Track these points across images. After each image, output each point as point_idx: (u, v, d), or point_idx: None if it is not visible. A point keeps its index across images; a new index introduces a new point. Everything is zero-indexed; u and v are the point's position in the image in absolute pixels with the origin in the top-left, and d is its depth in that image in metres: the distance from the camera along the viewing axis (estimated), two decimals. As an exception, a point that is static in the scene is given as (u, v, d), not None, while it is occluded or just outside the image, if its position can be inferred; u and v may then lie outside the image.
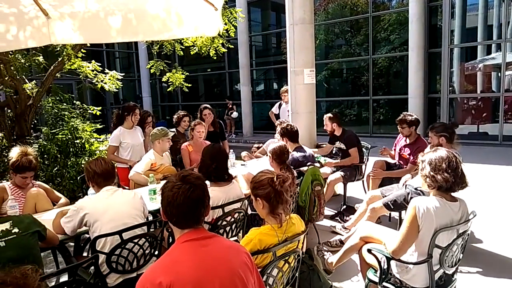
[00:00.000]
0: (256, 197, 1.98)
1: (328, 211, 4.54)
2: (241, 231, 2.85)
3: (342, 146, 4.79)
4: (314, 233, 3.69)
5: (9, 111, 6.08)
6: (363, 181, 4.90)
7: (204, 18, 3.27)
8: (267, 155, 5.23)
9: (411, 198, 3.35)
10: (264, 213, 1.99)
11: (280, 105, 6.72)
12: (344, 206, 4.68)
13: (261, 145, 5.66)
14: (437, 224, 2.10)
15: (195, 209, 1.46)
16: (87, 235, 2.96)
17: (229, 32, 6.71)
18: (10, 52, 5.44)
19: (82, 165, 5.60)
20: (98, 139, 6.55)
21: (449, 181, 2.12)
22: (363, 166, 4.91)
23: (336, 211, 4.65)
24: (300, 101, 5.39)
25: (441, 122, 5.23)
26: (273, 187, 1.92)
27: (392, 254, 2.20)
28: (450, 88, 9.87)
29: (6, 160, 5.42)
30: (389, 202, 3.46)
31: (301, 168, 3.68)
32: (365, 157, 4.96)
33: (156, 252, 2.52)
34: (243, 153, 5.31)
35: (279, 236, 1.94)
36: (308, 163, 3.79)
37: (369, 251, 2.34)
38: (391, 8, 11.66)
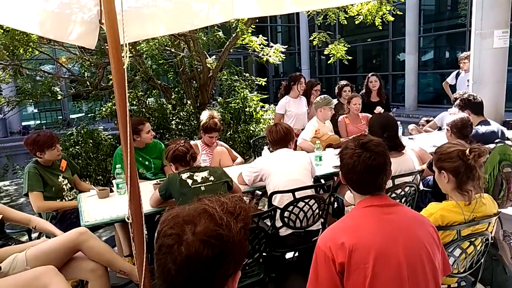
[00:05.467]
0: (441, 169, 1.81)
1: (515, 199, 3.85)
2: (410, 207, 2.69)
3: (542, 123, 3.94)
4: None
5: (194, 82, 7.12)
6: None
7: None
8: (438, 130, 4.75)
9: None
10: (448, 188, 1.82)
11: (457, 74, 5.88)
12: (539, 195, 3.88)
13: (431, 118, 5.13)
14: None
15: (377, 177, 1.41)
16: (259, 192, 3.31)
17: (399, -4, 6.18)
18: (195, 31, 6.28)
19: (251, 131, 6.21)
20: (263, 108, 7.12)
21: None
22: None
23: (526, 200, 3.90)
24: (486, 69, 4.60)
25: None
26: (464, 161, 1.72)
27: None
28: None
29: (193, 124, 6.44)
30: None
31: (487, 146, 3.18)
32: None
33: (324, 215, 2.62)
34: (410, 126, 4.92)
35: (466, 214, 1.75)
36: (497, 140, 3.25)
37: None
38: None
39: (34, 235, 2.76)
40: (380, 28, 6.76)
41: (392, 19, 6.74)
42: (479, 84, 4.67)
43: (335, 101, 4.36)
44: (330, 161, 3.34)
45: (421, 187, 2.83)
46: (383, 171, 1.43)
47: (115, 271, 2.43)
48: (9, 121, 12.05)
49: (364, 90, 5.09)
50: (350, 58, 7.63)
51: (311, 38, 7.80)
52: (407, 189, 2.59)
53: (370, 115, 4.41)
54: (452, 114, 3.41)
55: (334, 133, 4.26)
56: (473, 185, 1.75)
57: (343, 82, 5.21)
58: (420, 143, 3.85)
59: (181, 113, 6.74)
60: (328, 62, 8.12)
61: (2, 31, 4.40)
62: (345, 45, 7.54)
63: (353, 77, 15.60)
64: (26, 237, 2.75)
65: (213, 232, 0.78)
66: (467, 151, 1.73)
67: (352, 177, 1.45)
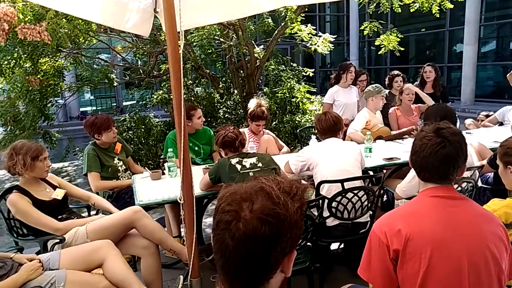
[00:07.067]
0: (507, 164, 1.69)
1: None
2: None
3: None
4: None
5: (241, 72, 7.17)
6: None
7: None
8: (499, 125, 4.42)
9: None
10: (514, 183, 1.70)
11: (524, 65, 5.44)
12: None
13: (491, 113, 4.80)
14: None
15: (442, 165, 1.32)
16: (305, 182, 3.29)
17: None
18: (244, 20, 6.27)
19: (297, 121, 6.16)
20: (309, 99, 7.03)
21: None
22: None
23: None
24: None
25: None
26: (532, 155, 1.60)
27: None
28: None
29: (239, 113, 6.51)
30: None
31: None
32: None
33: (373, 208, 2.55)
34: (467, 121, 4.63)
35: (533, 213, 1.63)
36: None
37: None
38: None
39: (92, 212, 2.95)
40: (437, 16, 6.37)
41: (451, 6, 6.32)
42: (551, 76, 4.29)
43: (386, 91, 4.21)
44: (380, 153, 3.24)
45: (480, 183, 2.67)
46: (452, 161, 1.32)
47: (165, 250, 2.54)
48: (69, 106, 12.87)
49: (418, 82, 4.86)
50: (402, 49, 7.29)
51: (362, 27, 7.53)
52: (464, 185, 2.45)
53: (423, 105, 4.21)
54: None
55: (384, 125, 4.12)
56: (543, 182, 1.62)
57: (395, 72, 5.01)
58: (479, 138, 3.62)
59: (228, 102, 6.84)
60: (379, 53, 7.82)
61: (65, 20, 4.66)
62: (398, 35, 7.20)
63: (404, 68, 14.90)
64: (85, 214, 2.95)
65: (270, 210, 0.79)
66: (536, 145, 1.60)
67: (416, 159, 1.38)
